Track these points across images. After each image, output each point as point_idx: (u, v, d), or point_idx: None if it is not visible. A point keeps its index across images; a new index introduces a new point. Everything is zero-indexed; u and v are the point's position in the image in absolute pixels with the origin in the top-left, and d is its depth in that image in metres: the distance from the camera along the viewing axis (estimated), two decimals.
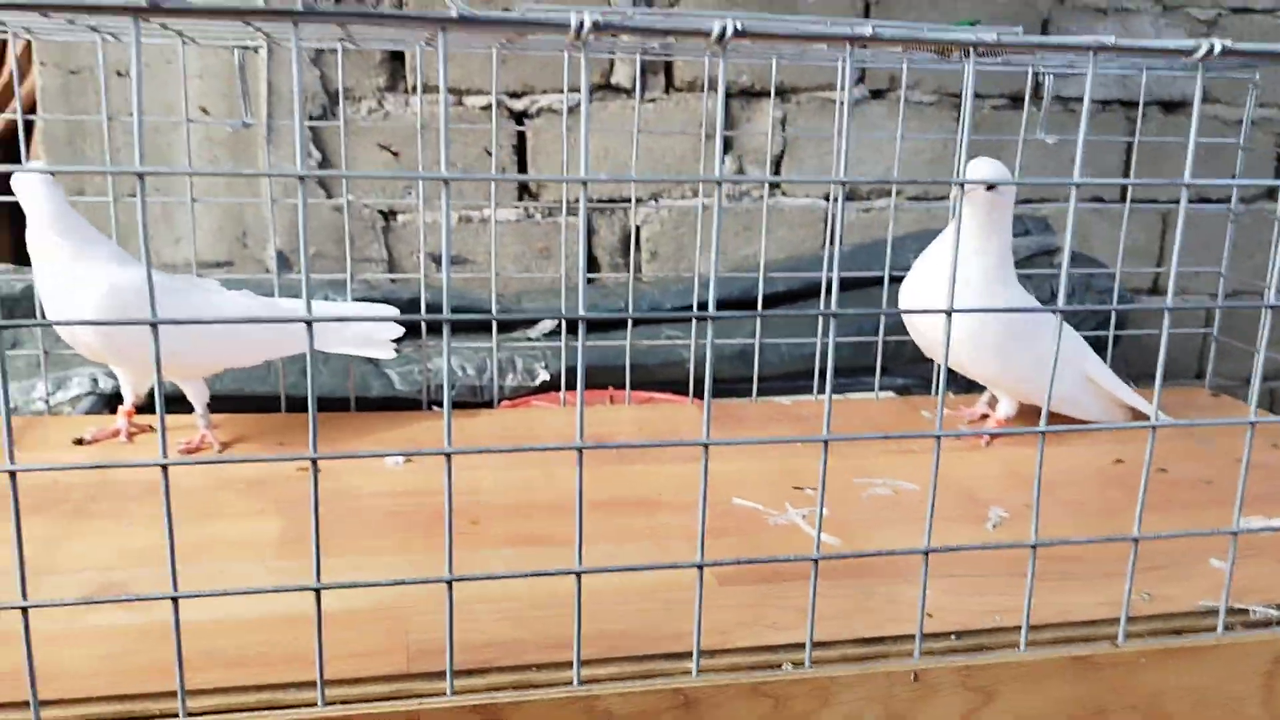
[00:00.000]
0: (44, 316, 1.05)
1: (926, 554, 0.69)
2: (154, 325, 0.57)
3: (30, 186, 0.98)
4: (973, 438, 1.16)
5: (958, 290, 1.09)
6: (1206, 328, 1.79)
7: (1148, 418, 1.14)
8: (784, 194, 2.14)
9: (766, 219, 2.11)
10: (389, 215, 1.99)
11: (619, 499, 0.96)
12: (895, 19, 2.07)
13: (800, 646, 0.70)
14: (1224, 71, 1.60)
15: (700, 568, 0.66)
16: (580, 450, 0.63)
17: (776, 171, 2.12)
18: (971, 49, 0.64)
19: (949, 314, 0.67)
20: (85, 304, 0.97)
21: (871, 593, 0.79)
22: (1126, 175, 2.23)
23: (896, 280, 1.85)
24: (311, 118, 1.91)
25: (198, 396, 1.05)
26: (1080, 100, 2.17)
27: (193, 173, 0.65)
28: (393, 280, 1.94)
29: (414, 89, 1.93)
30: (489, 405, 1.56)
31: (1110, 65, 1.67)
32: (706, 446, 0.64)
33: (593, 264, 2.09)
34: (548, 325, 1.58)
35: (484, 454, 1.05)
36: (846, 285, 1.78)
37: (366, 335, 1.15)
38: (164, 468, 0.58)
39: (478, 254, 2.02)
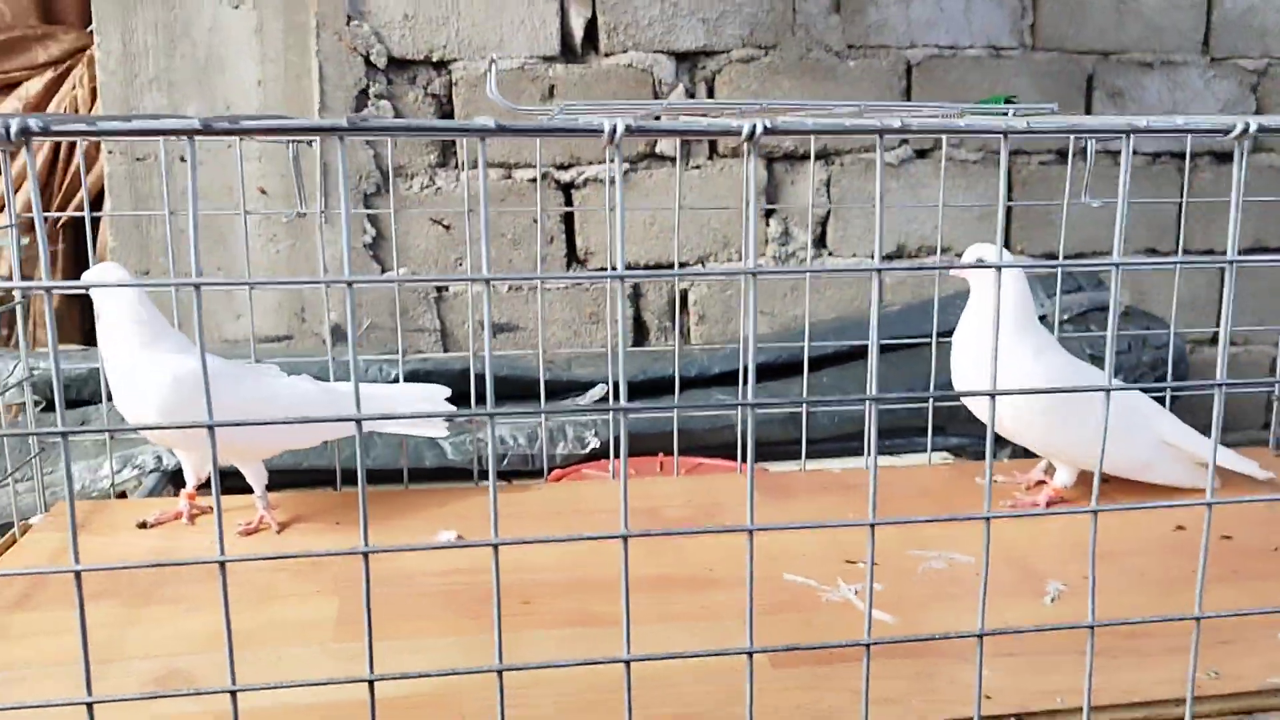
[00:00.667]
0: (110, 400, 1.08)
1: (981, 637, 0.68)
2: (211, 429, 0.58)
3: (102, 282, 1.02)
4: (1030, 504, 1.14)
5: (987, 349, 1.10)
6: (1271, 378, 1.75)
7: (1241, 477, 1.11)
8: (831, 254, 2.15)
9: (815, 279, 2.12)
10: (442, 287, 2.03)
11: (671, 576, 0.96)
12: (935, 88, 2.07)
13: None
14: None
15: (750, 654, 0.66)
16: (625, 539, 0.64)
17: (823, 232, 2.12)
18: (1005, 135, 0.64)
19: (993, 396, 0.67)
20: (150, 394, 1.00)
21: (931, 674, 0.78)
22: (1180, 223, 2.21)
23: (943, 339, 1.84)
24: (366, 195, 1.96)
25: (256, 478, 1.07)
26: (1132, 155, 2.17)
27: (249, 283, 0.67)
28: (445, 352, 1.97)
29: (464, 165, 1.97)
30: (541, 473, 1.57)
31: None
32: (752, 533, 0.65)
33: (641, 328, 2.10)
34: (598, 392, 1.59)
35: (543, 530, 1.06)
36: (897, 346, 1.77)
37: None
38: (222, 565, 0.60)
39: (527, 321, 2.05)
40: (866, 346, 1.81)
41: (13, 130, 0.49)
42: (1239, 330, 2.18)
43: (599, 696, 0.74)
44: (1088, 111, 2.16)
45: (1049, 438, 1.11)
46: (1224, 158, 2.19)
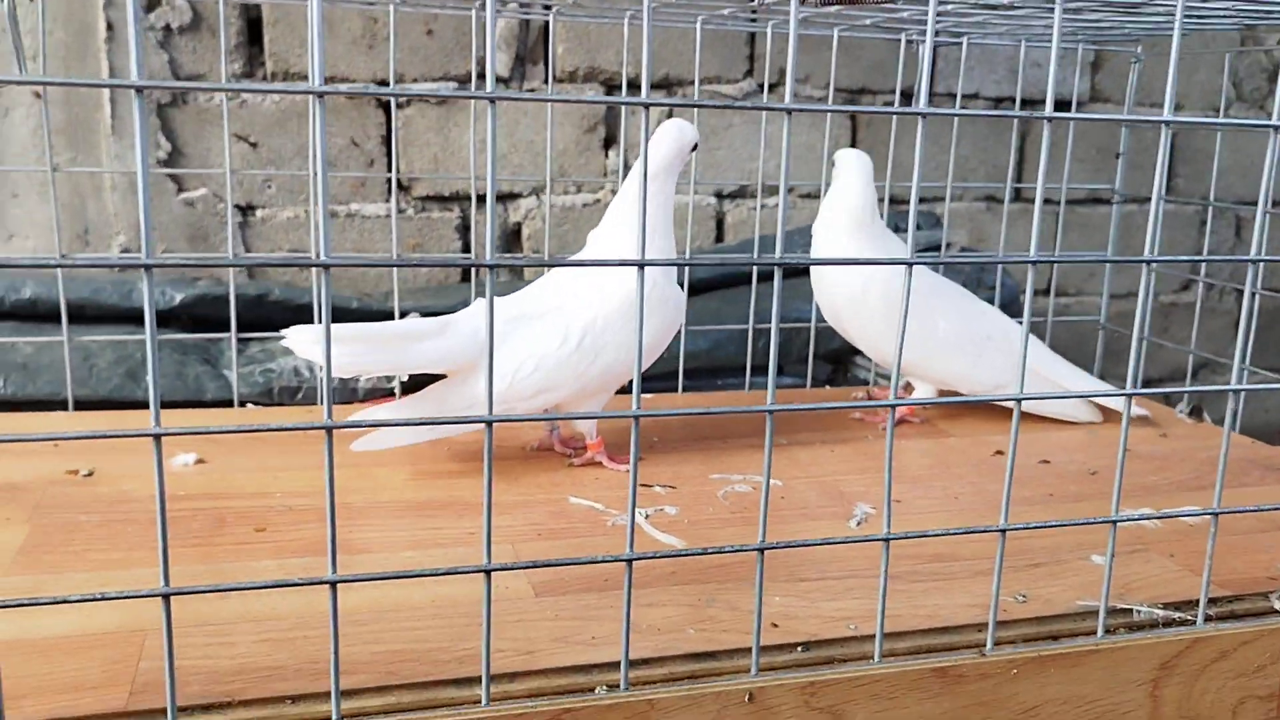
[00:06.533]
0: None
1: (761, 551, 0.58)
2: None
3: None
4: (871, 425, 1.07)
5: (831, 242, 1.04)
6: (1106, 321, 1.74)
7: (1100, 407, 1.07)
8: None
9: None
10: (246, 210, 1.85)
11: (438, 500, 0.84)
12: None
13: (620, 665, 0.59)
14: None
15: (488, 572, 0.55)
16: (330, 430, 0.52)
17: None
18: None
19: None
20: None
21: (713, 600, 0.68)
22: (1021, 171, 2.19)
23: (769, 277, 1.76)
24: (160, 105, 1.76)
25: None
26: (974, 98, 2.12)
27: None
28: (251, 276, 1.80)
29: (273, 75, 1.79)
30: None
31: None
32: (490, 424, 0.54)
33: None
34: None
35: (292, 454, 0.93)
36: (734, 281, 1.70)
37: None
38: None
39: (343, 248, 1.89)
40: (719, 278, 1.75)
41: None
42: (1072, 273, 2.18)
43: (315, 633, 0.62)
44: None
45: (888, 342, 1.06)
46: (1062, 105, 2.17)
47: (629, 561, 0.56)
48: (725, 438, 1.00)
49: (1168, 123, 0.61)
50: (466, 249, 1.96)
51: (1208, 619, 0.68)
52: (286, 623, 0.63)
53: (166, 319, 1.51)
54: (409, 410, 0.92)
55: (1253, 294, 0.65)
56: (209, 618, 0.63)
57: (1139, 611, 0.68)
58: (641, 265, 0.55)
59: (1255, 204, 1.14)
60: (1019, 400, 0.61)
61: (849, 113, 2.10)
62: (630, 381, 1.04)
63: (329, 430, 0.52)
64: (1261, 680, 0.67)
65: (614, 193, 2.00)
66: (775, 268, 0.57)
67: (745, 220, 2.08)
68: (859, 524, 0.82)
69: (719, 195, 2.06)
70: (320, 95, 0.50)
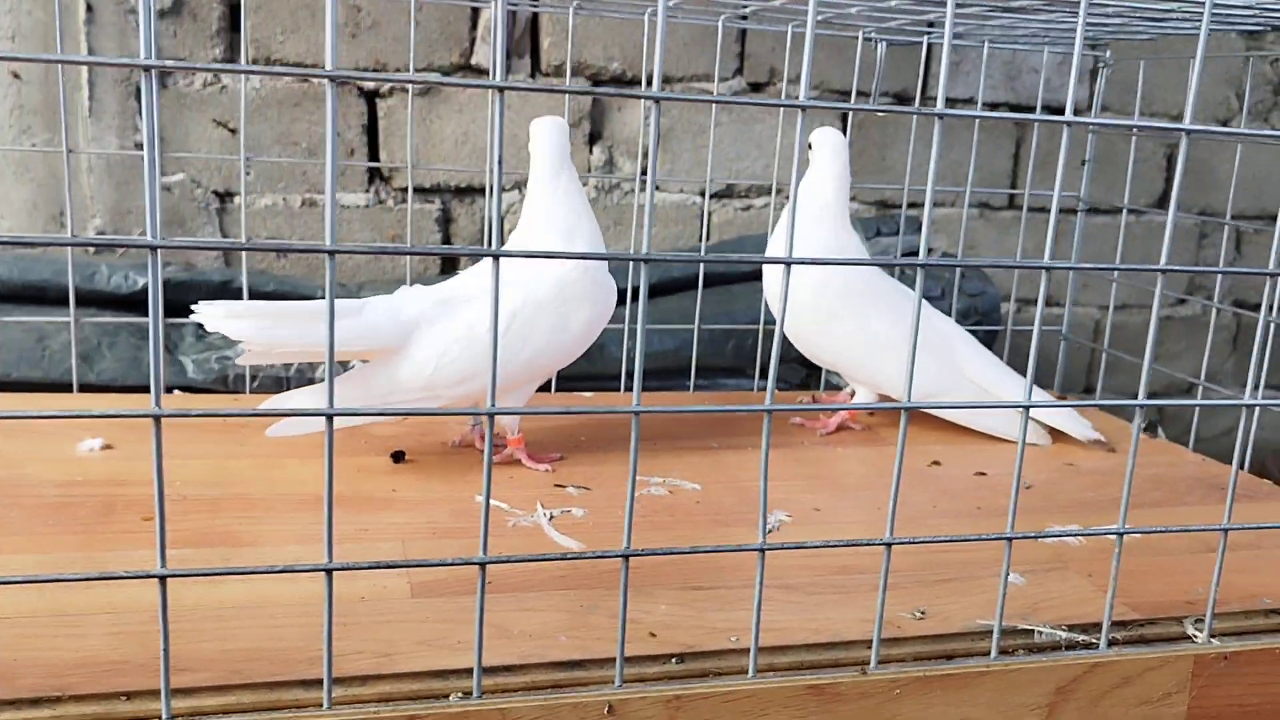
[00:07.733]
0: None
1: (626, 557, 0.56)
2: None
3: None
4: (810, 430, 1.04)
5: (802, 241, 1.01)
6: (1095, 341, 1.70)
7: (1060, 430, 1.03)
8: (658, 189, 2.02)
9: (638, 214, 2.00)
10: (225, 196, 1.84)
11: (337, 494, 0.82)
12: None
13: (484, 671, 0.57)
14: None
15: (329, 571, 0.53)
16: (157, 418, 0.50)
17: (646, 165, 2.00)
18: None
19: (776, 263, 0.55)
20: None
21: (595, 607, 0.66)
22: (1015, 178, 2.15)
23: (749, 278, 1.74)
24: (138, 88, 1.75)
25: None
26: (969, 102, 2.09)
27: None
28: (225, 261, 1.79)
29: (254, 61, 1.78)
30: None
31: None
32: (331, 418, 0.51)
33: (450, 258, 1.95)
34: None
35: (202, 443, 0.91)
36: (707, 281, 1.67)
37: None
38: None
39: (321, 239, 1.88)
40: (689, 279, 1.73)
41: None
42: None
43: (171, 627, 0.60)
44: None
45: (822, 338, 1.02)
46: (1057, 110, 2.13)
47: (481, 565, 0.54)
48: (653, 439, 0.98)
49: (1070, 123, 0.58)
50: (447, 240, 1.94)
51: (1112, 643, 0.65)
52: (144, 615, 0.61)
53: (132, 303, 1.50)
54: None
55: (1189, 305, 0.62)
56: (66, 607, 0.61)
57: (1040, 633, 0.65)
58: (496, 256, 0.53)
59: (1221, 216, 1.10)
60: (906, 409, 0.59)
61: (733, 103, 2.06)
62: (558, 374, 1.01)
63: (156, 419, 0.50)
64: (1168, 709, 0.64)
65: (598, 188, 1.98)
66: (640, 263, 0.54)
67: (732, 220, 2.05)
68: (771, 531, 0.79)
69: (703, 194, 2.03)
70: (147, 69, 0.48)
